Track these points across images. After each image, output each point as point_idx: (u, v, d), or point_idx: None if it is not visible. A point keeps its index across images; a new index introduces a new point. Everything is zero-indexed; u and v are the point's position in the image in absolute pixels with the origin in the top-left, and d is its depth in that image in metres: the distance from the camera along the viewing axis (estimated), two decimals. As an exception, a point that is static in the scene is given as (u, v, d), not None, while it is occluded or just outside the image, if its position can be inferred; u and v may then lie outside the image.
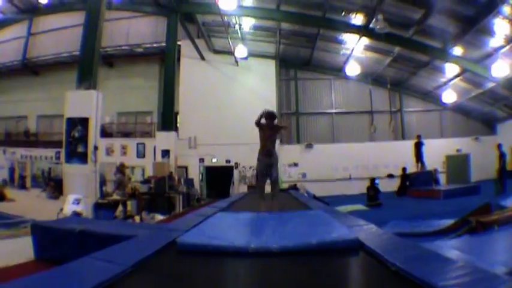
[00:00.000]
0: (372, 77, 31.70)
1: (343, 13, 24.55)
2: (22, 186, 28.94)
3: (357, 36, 26.48)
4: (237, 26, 28.23)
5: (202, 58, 31.74)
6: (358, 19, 24.74)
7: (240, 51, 28.76)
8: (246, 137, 25.04)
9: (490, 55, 22.94)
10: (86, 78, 15.18)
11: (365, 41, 27.03)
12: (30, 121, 35.24)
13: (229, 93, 31.20)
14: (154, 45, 32.97)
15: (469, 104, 30.40)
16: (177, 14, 26.46)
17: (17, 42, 35.81)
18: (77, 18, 31.07)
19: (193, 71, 31.65)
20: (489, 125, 31.49)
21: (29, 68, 35.70)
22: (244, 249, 4.86)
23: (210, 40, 31.24)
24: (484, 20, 20.32)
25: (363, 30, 25.15)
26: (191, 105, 31.01)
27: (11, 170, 30.80)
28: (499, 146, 20.77)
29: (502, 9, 19.08)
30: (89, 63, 15.64)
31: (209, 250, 4.94)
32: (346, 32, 26.48)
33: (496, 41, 21.91)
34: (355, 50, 28.38)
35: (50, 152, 30.84)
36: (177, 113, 29.18)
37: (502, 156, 20.52)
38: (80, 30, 18.38)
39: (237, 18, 27.50)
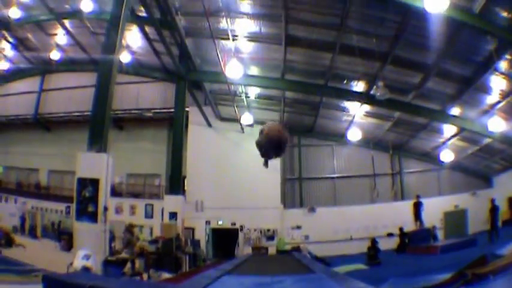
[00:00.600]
0: (373, 142, 32.18)
1: (345, 81, 25.34)
2: (33, 235, 29.06)
3: (358, 103, 27.08)
4: (243, 95, 28.89)
5: (209, 125, 32.38)
6: (359, 86, 25.44)
7: (246, 118, 29.22)
8: (250, 200, 25.53)
9: (487, 112, 23.41)
10: (97, 141, 15.32)
11: (366, 107, 27.65)
12: (42, 174, 35.73)
13: (235, 159, 31.51)
14: (163, 110, 33.73)
15: (466, 161, 30.82)
16: (185, 82, 27.07)
17: (30, 96, 36.74)
18: (87, 79, 32.20)
19: (201, 137, 32.26)
20: (485, 178, 31.72)
21: (41, 123, 36.59)
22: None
23: (217, 108, 32.02)
24: (481, 78, 20.92)
25: (364, 97, 25.77)
26: (198, 170, 31.44)
27: (22, 219, 30.98)
28: (493, 201, 23.20)
29: (499, 65, 19.65)
30: (99, 126, 15.78)
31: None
32: (348, 99, 27.17)
33: (492, 97, 22.49)
34: (356, 116, 28.99)
35: (61, 206, 31.00)
36: (184, 177, 29.53)
37: (494, 209, 22.76)
38: (90, 90, 18.95)
39: (242, 87, 28.21)
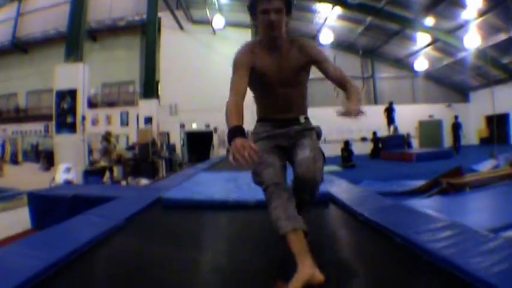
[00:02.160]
0: (344, 45, 31.80)
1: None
2: (14, 161, 28.98)
3: (330, 6, 26.45)
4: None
5: (181, 28, 31.65)
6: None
7: (218, 21, 28.49)
8: (223, 102, 24.99)
9: (462, 26, 23.11)
10: (73, 52, 15.38)
11: (338, 10, 26.98)
12: (20, 98, 35.11)
13: (207, 61, 31.08)
14: (136, 17, 32.75)
15: (442, 72, 30.70)
16: (158, -13, 26.31)
17: (7, 24, 35.60)
18: None
19: (173, 41, 31.69)
20: (462, 93, 31.81)
21: (19, 47, 35.57)
22: (224, 203, 5.32)
23: (189, 11, 31.12)
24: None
25: (336, 0, 25.21)
26: (171, 74, 31.04)
27: (2, 147, 30.80)
28: (456, 117, 23.98)
29: None
30: (75, 38, 15.86)
31: (192, 205, 5.40)
32: (320, 1, 26.45)
33: (468, 13, 22.02)
34: (328, 19, 28.38)
35: (39, 126, 30.82)
36: (158, 82, 29.22)
37: (457, 126, 23.57)
38: (66, 7, 18.40)
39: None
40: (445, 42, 25.64)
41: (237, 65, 3.84)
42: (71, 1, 16.50)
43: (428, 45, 27.90)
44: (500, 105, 23.02)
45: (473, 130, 29.65)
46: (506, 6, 18.60)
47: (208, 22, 29.39)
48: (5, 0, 35.22)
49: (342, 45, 31.72)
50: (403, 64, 32.00)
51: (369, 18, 27.02)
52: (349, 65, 32.29)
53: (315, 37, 30.14)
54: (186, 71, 30.85)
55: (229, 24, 29.16)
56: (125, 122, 30.14)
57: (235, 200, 5.29)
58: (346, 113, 3.43)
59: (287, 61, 3.87)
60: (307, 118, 4.03)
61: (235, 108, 3.51)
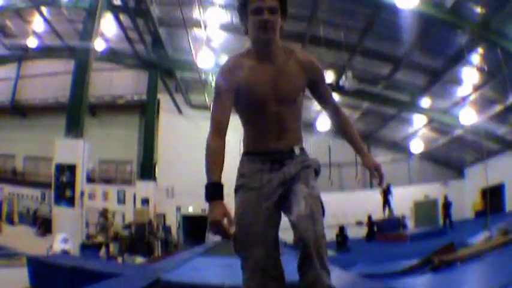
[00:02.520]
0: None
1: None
2: (10, 221, 28.79)
3: (326, 93, 26.70)
4: (213, 83, 28.49)
5: (180, 112, 32.15)
6: (328, 76, 25.06)
7: (215, 107, 28.75)
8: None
9: (458, 103, 23.27)
10: (74, 128, 15.71)
11: (335, 97, 27.25)
12: (18, 160, 35.22)
13: (204, 146, 30.93)
14: (135, 97, 33.35)
15: (437, 151, 30.76)
16: (158, 70, 26.88)
17: (6, 83, 36.05)
18: (63, 65, 31.35)
19: (172, 124, 31.96)
20: (457, 169, 31.63)
21: (18, 110, 35.95)
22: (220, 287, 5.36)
23: (188, 95, 31.67)
24: (452, 71, 20.79)
25: (332, 88, 25.58)
26: (169, 156, 31.09)
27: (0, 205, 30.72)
28: (445, 197, 25.15)
29: (471, 58, 19.46)
30: (76, 113, 16.18)
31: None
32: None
33: (463, 89, 22.37)
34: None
35: (36, 192, 30.72)
36: (155, 163, 29.44)
37: (447, 205, 24.73)
38: (66, 77, 18.82)
39: (213, 75, 27.82)
40: (441, 121, 25.92)
41: (217, 90, 3.34)
42: (72, 75, 16.86)
43: (425, 126, 28.07)
44: (495, 176, 23.09)
45: (469, 204, 29.02)
46: (501, 77, 18.88)
47: (206, 107, 29.85)
48: (6, 54, 35.44)
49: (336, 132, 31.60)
50: (399, 147, 32.12)
51: (365, 104, 27.40)
52: (345, 151, 32.27)
53: (311, 125, 30.54)
54: (184, 154, 30.91)
55: (229, 110, 29.66)
56: (121, 200, 30.09)
57: (231, 286, 5.24)
58: (376, 177, 3.39)
59: (283, 74, 3.36)
60: (303, 149, 3.47)
61: (216, 154, 3.21)
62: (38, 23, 30.53)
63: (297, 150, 3.35)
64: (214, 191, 2.98)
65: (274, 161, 3.28)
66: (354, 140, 3.47)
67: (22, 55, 34.95)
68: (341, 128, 3.54)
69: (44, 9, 28.43)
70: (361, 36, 20.80)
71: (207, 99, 28.60)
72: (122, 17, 23.64)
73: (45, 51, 34.17)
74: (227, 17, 22.28)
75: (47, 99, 34.64)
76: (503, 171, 24.30)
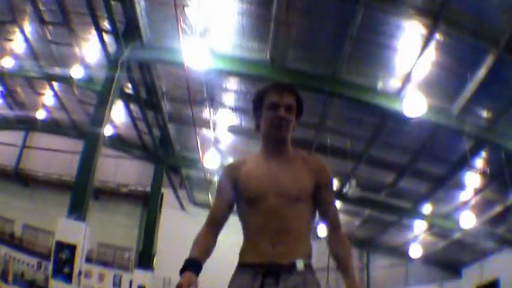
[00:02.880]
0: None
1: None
2: (5, 280, 28.32)
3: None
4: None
5: (183, 208, 32.19)
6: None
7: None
8: (218, 284, 24.78)
9: (459, 207, 23.40)
10: (77, 209, 15.70)
11: (337, 204, 27.21)
12: (17, 226, 34.12)
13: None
14: (139, 188, 33.56)
15: (435, 254, 30.51)
16: (164, 164, 27.15)
17: (12, 148, 35.65)
18: (70, 144, 32.01)
19: (173, 219, 31.82)
20: (454, 269, 31.32)
21: (21, 178, 35.62)
22: None
23: (192, 193, 31.87)
24: (455, 176, 21.05)
25: (335, 195, 25.58)
26: (168, 249, 30.44)
27: None
28: None
29: (474, 162, 19.61)
30: (81, 196, 16.26)
31: None
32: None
33: (465, 193, 22.57)
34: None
35: (33, 260, 30.16)
36: (154, 254, 29.17)
37: None
38: (72, 156, 18.82)
39: (218, 176, 27.81)
40: (442, 226, 25.97)
41: (218, 188, 3.38)
42: (80, 157, 17.00)
43: (425, 231, 28.01)
44: (491, 272, 23.72)
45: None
46: (502, 178, 18.88)
47: (209, 206, 29.83)
48: (15, 119, 35.57)
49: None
50: (398, 252, 31.90)
51: (367, 211, 27.50)
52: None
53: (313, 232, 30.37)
54: (183, 248, 30.32)
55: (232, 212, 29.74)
56: (117, 284, 29.54)
57: None
58: None
59: (287, 168, 3.15)
60: (309, 266, 3.03)
61: (200, 238, 3.26)
62: (48, 97, 30.86)
63: (300, 265, 2.92)
64: (188, 264, 2.89)
65: (267, 275, 2.87)
66: (343, 262, 3.18)
67: (30, 125, 35.22)
68: (333, 248, 3.30)
69: (55, 84, 28.71)
70: (367, 145, 21.15)
71: (210, 199, 28.61)
72: (132, 106, 24.17)
73: (53, 126, 34.66)
74: (236, 119, 22.61)
75: (51, 174, 34.59)
76: (498, 267, 24.54)
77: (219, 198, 3.30)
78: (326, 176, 3.28)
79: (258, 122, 3.35)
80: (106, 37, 18.86)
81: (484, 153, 19.35)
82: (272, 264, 2.86)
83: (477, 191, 22.06)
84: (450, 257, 30.66)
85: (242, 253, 3.17)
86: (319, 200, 3.21)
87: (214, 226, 3.30)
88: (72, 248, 15.20)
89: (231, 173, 3.29)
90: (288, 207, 2.99)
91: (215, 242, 3.23)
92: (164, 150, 26.42)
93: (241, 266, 3.09)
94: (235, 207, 3.37)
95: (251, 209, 3.11)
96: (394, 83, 16.90)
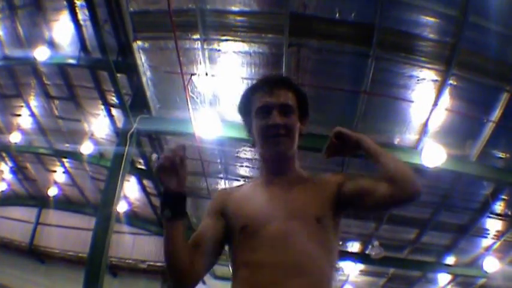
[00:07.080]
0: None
1: (341, 243, 24.63)
2: None
3: (353, 263, 26.44)
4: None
5: (204, 283, 31.49)
6: (355, 247, 24.99)
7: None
8: None
9: (482, 254, 22.96)
10: (92, 286, 15.17)
11: (360, 266, 26.94)
12: None
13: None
14: (158, 264, 32.87)
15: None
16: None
17: (26, 225, 35.18)
18: (84, 220, 31.66)
19: (196, 299, 31.20)
20: None
21: (36, 254, 34.68)
22: None
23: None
24: (477, 224, 20.64)
25: (359, 257, 25.32)
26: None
27: None
28: None
29: (494, 207, 19.25)
30: (95, 274, 15.63)
31: None
32: (343, 260, 26.20)
33: (487, 240, 22.15)
34: (350, 275, 28.24)
35: None
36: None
37: None
38: (86, 233, 18.51)
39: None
40: (466, 275, 25.44)
41: (204, 214, 2.77)
42: (93, 235, 16.53)
43: (449, 282, 27.51)
44: None
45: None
46: None
47: (230, 279, 29.41)
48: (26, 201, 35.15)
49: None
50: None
51: (391, 270, 26.96)
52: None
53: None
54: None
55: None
56: None
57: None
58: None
59: (297, 187, 2.46)
60: None
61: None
62: (59, 174, 30.36)
63: None
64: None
65: None
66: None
67: (42, 202, 34.61)
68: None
69: (66, 161, 28.18)
70: (389, 206, 20.68)
71: (230, 271, 28.15)
72: (145, 182, 24.01)
73: (65, 203, 34.12)
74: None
75: (66, 250, 33.81)
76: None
77: (204, 220, 2.70)
78: (341, 175, 2.61)
79: (251, 136, 2.56)
80: (114, 111, 18.84)
81: (504, 196, 18.95)
82: None
83: (499, 235, 21.67)
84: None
85: None
86: (357, 195, 2.48)
87: (192, 243, 2.65)
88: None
89: (219, 196, 2.74)
90: (304, 233, 2.22)
91: (188, 254, 2.55)
92: (180, 229, 26.06)
93: None
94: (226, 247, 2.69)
95: (247, 243, 2.36)
96: (411, 136, 16.70)
